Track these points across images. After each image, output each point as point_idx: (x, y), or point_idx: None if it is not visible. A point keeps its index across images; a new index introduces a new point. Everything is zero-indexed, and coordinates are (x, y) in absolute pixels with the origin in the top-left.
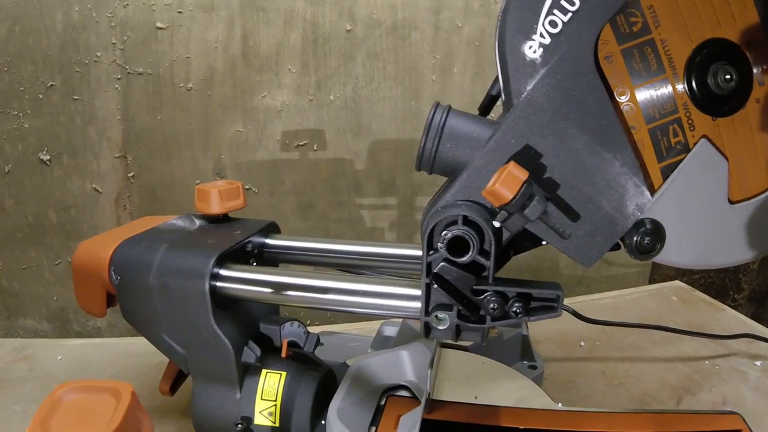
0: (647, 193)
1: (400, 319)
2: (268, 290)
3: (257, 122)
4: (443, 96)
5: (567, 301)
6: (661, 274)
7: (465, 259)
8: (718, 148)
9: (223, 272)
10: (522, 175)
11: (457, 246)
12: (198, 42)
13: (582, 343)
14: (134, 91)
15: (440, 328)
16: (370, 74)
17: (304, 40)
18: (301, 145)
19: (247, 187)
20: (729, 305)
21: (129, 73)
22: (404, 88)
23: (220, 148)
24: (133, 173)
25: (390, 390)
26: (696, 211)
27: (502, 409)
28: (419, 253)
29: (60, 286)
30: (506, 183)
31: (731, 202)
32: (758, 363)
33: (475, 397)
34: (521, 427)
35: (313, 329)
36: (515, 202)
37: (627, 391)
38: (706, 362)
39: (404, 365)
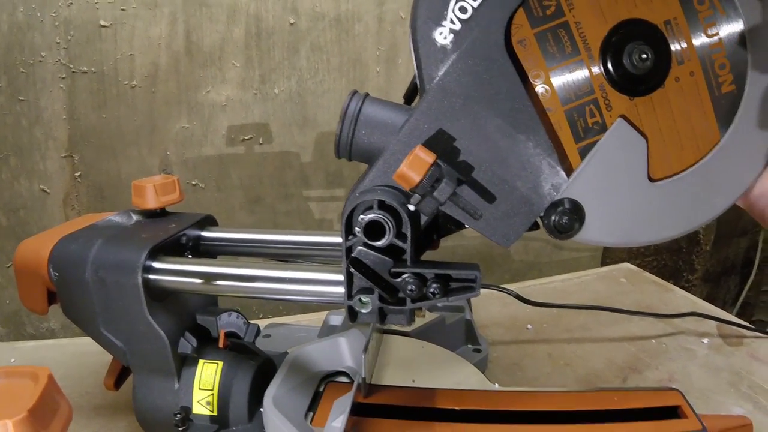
0: (562, 173)
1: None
2: (199, 281)
3: (202, 117)
4: (388, 87)
5: (516, 286)
6: (612, 257)
7: (382, 242)
8: (636, 127)
9: (156, 265)
10: (429, 158)
11: (375, 230)
12: (141, 39)
13: (529, 326)
14: (79, 90)
15: (364, 311)
16: (315, 67)
17: (248, 35)
18: (247, 140)
19: (194, 182)
20: (683, 286)
21: (74, 72)
22: (348, 80)
23: (165, 144)
24: (80, 173)
25: (329, 377)
26: (616, 190)
27: (438, 391)
28: None
29: (12, 288)
30: (413, 166)
31: (652, 180)
32: (705, 341)
33: (413, 381)
34: (457, 408)
35: (262, 322)
36: (423, 184)
37: (573, 371)
38: (653, 341)
39: (342, 351)
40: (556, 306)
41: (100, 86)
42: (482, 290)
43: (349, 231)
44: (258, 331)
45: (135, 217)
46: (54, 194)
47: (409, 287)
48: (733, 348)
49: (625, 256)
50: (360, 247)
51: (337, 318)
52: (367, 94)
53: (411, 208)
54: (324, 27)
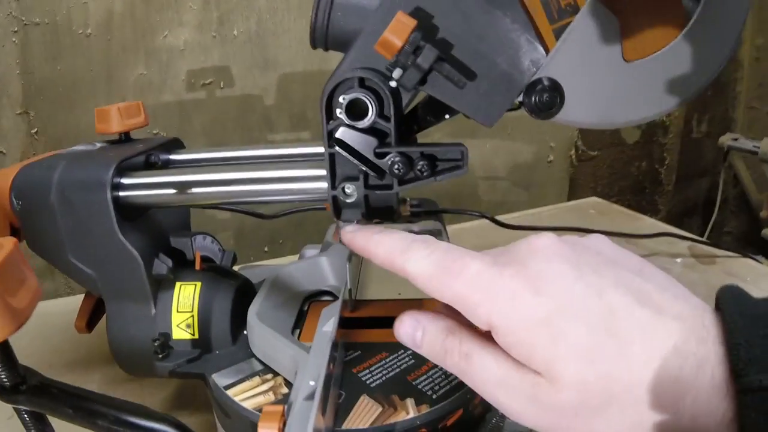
0: (541, 48)
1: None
2: (172, 191)
3: (160, 63)
4: None
5: None
6: (577, 196)
7: (365, 121)
8: (608, 7)
9: (125, 181)
10: (410, 22)
11: (356, 110)
12: None
13: None
14: (32, 42)
15: (349, 201)
16: (274, 6)
17: None
18: (207, 84)
19: (155, 131)
20: None
21: (26, 24)
22: (309, 19)
23: (123, 92)
24: (36, 129)
25: (312, 297)
26: (592, 69)
27: (425, 301)
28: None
29: None
30: (395, 30)
31: (626, 61)
32: (678, 260)
33: (399, 294)
34: None
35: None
36: (405, 50)
37: None
38: None
39: (324, 271)
40: (531, 228)
41: (53, 37)
42: (456, 226)
43: (329, 114)
44: (234, 258)
45: (99, 144)
46: (11, 154)
47: (396, 166)
48: (707, 266)
49: (589, 193)
50: (342, 129)
51: (313, 251)
52: None
53: (393, 84)
54: None
